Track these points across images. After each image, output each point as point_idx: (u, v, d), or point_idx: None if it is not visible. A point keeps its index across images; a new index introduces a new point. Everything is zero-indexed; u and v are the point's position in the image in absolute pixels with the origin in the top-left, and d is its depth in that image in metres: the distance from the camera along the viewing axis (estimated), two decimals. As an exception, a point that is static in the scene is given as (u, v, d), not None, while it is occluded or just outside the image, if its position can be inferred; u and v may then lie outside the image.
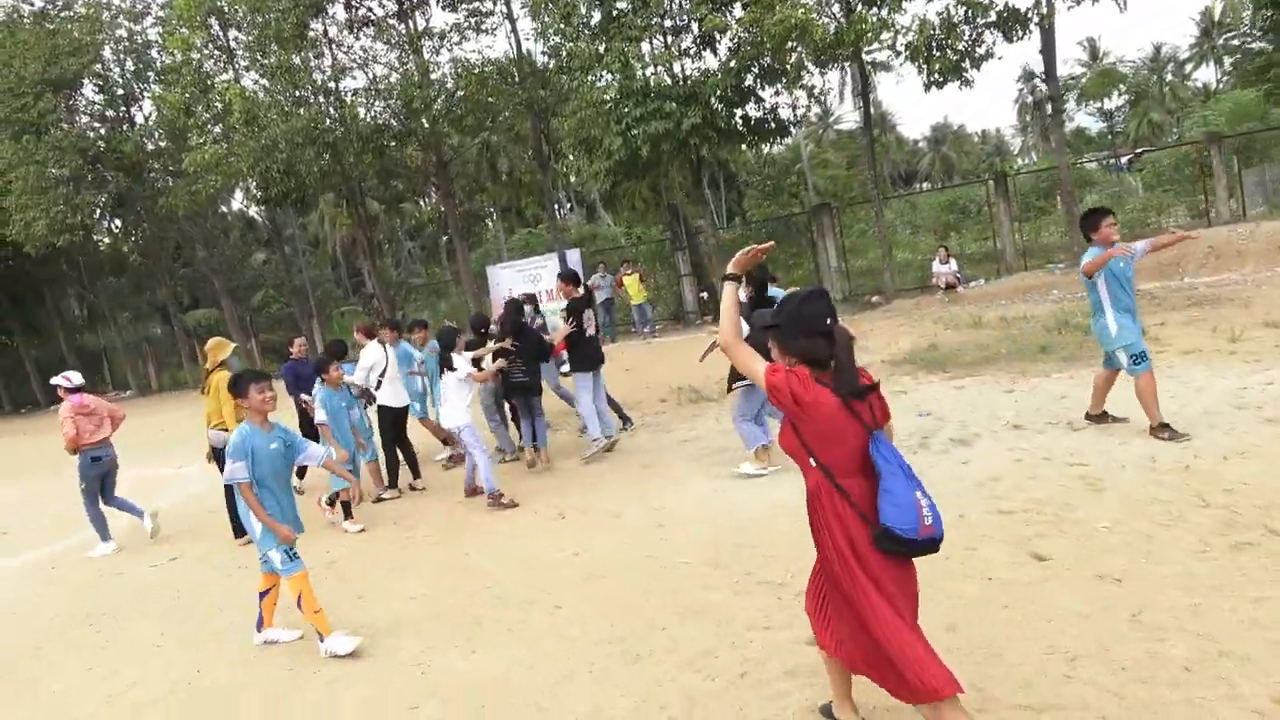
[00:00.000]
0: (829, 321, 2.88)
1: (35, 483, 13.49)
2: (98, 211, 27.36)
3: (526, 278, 22.59)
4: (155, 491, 10.97)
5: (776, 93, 17.76)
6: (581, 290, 9.10)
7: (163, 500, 10.28)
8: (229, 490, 6.15)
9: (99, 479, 7.92)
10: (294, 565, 4.87)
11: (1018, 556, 4.69)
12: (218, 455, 7.29)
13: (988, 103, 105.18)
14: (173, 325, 32.54)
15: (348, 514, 7.62)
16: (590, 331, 8.85)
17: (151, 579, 7.00)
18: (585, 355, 8.78)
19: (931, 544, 2.81)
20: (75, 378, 8.02)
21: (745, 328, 4.73)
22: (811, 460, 2.93)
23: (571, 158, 19.90)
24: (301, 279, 29.86)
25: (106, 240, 33.80)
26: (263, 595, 5.13)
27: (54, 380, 8.04)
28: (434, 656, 4.64)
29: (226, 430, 7.24)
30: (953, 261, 17.27)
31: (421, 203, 50.66)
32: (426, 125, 19.47)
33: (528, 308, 10.53)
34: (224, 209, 36.59)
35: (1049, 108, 21.15)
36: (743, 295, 7.30)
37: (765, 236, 22.30)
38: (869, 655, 2.94)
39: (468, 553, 6.34)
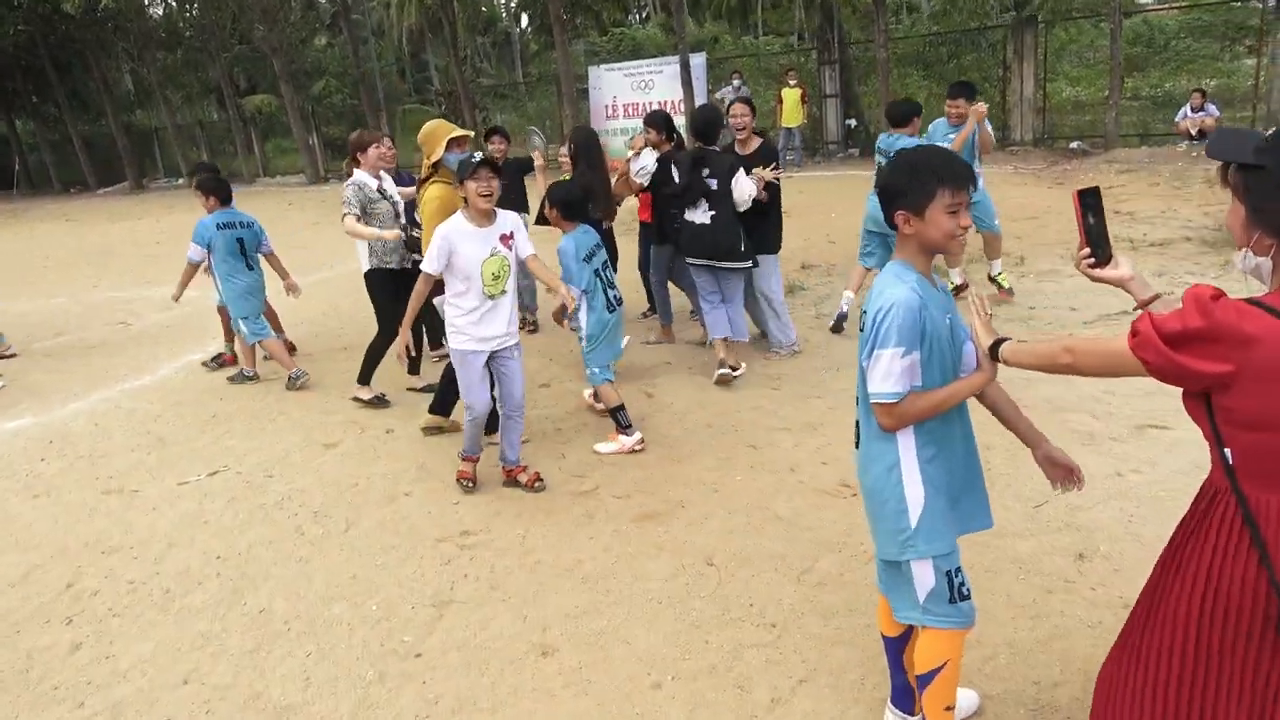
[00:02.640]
0: None
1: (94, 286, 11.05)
2: (143, -31, 24.18)
3: (636, 83, 18.96)
4: (190, 332, 8.28)
5: None
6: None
7: (202, 349, 7.55)
8: None
9: None
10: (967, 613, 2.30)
11: None
12: None
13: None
14: (229, 110, 29.64)
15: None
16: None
17: (173, 515, 4.42)
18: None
19: None
20: None
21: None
22: (1220, 447, 1.52)
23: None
24: (370, 66, 26.42)
25: (160, 12, 30.61)
26: (928, 678, 2.31)
27: None
28: None
29: None
30: (1211, 105, 13.30)
31: (497, -12, 45.60)
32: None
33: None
34: (284, -18, 32.59)
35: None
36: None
37: (947, 52, 18.26)
38: None
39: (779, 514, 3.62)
